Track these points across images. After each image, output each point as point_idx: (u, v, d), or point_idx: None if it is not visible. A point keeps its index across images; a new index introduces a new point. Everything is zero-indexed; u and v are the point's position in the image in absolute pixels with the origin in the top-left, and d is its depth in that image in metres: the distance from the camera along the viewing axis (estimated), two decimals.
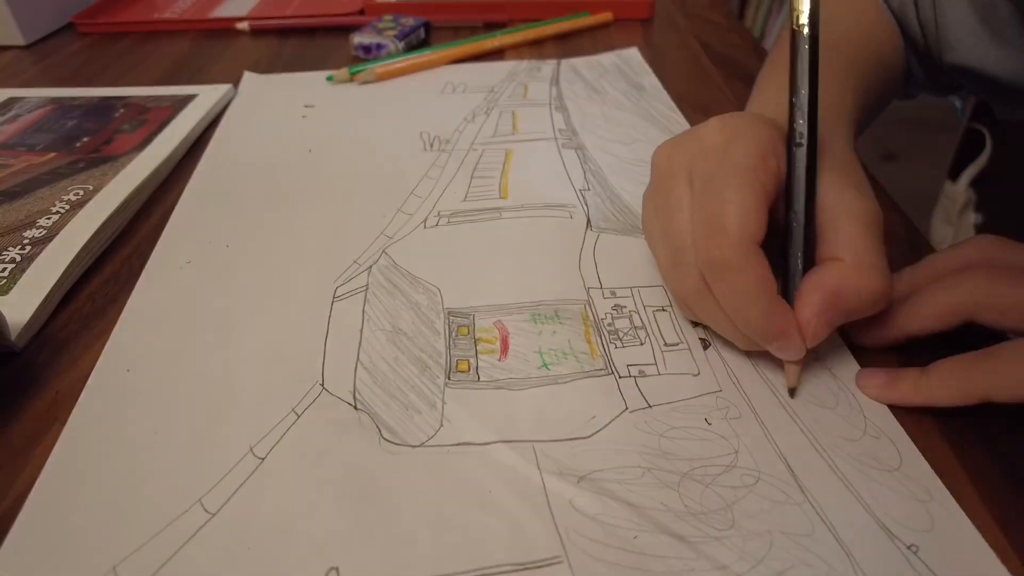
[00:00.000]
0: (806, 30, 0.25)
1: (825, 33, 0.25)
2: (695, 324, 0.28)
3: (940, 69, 0.40)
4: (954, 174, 1.21)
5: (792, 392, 0.25)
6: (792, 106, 0.25)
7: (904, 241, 0.33)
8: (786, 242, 0.25)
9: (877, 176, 0.37)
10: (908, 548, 0.21)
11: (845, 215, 0.24)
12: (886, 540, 0.21)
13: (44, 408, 0.26)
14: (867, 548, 0.21)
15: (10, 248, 0.33)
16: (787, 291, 0.25)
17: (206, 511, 0.22)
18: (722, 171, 0.24)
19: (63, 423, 0.25)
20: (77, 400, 0.26)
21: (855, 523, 0.21)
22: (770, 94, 0.33)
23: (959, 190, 1.20)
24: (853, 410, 0.25)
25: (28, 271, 0.31)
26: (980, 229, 1.14)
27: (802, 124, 0.25)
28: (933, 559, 0.20)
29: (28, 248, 0.33)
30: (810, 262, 0.25)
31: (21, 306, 0.29)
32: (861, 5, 0.38)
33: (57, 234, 0.34)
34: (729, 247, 0.23)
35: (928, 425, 0.24)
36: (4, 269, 0.31)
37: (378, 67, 0.51)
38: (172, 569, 0.20)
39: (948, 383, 0.24)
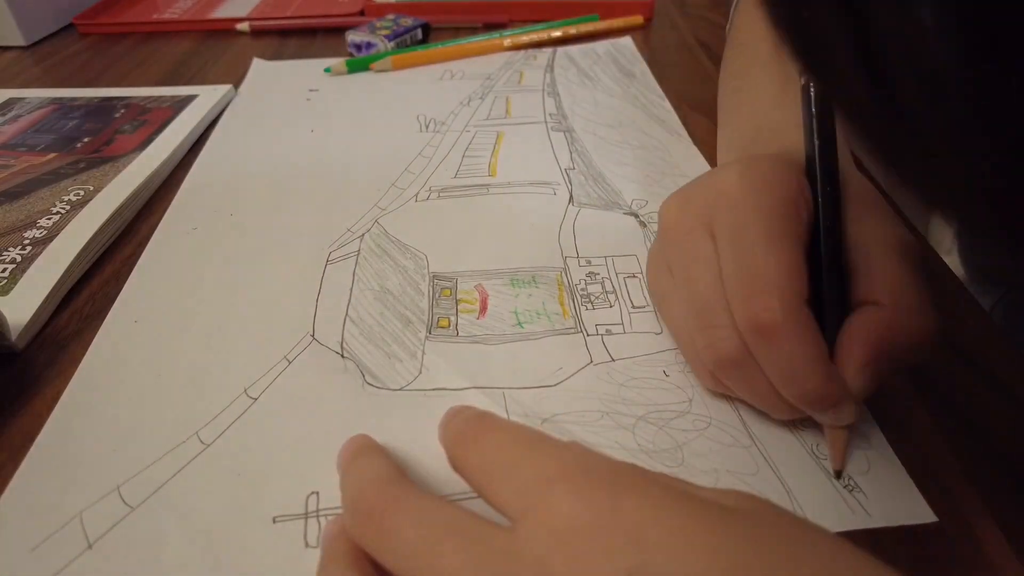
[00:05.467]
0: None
1: None
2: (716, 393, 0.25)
3: None
4: None
5: (839, 475, 0.22)
6: (815, 153, 0.24)
7: None
8: (818, 290, 0.22)
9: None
10: (844, 487, 0.22)
11: (877, 248, 0.22)
12: (824, 480, 0.23)
13: (44, 408, 0.26)
14: (806, 486, 0.22)
15: (11, 248, 0.33)
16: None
17: (202, 442, 0.24)
18: (754, 222, 0.22)
19: None
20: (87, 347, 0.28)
21: (798, 465, 0.23)
22: (756, 108, 0.31)
23: None
24: None
25: (29, 271, 0.31)
26: None
27: (826, 166, 0.24)
28: (865, 496, 0.22)
29: (29, 248, 0.33)
30: (844, 309, 0.22)
31: (22, 306, 0.29)
32: None
33: (58, 234, 0.34)
34: (779, 307, 0.21)
35: (927, 424, 0.25)
36: (5, 269, 0.31)
37: (393, 56, 0.53)
38: (169, 489, 0.23)
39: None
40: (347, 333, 0.28)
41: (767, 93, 0.31)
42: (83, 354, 0.28)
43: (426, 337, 0.28)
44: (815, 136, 0.24)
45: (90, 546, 0.21)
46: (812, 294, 0.22)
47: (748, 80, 0.34)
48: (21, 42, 0.61)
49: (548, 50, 0.56)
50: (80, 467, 0.23)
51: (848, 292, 0.22)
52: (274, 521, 0.22)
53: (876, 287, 0.22)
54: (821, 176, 0.23)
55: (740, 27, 0.39)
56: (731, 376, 0.23)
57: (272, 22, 0.64)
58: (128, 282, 0.32)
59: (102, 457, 0.24)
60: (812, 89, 0.24)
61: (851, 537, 0.21)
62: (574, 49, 0.56)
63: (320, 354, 0.27)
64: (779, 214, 0.22)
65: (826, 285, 0.22)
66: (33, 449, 0.24)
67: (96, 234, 0.34)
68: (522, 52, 0.56)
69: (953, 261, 1.15)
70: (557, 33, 0.58)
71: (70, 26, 0.65)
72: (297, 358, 0.27)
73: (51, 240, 0.33)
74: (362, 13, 0.65)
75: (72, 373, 0.27)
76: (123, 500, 0.22)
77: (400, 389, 0.26)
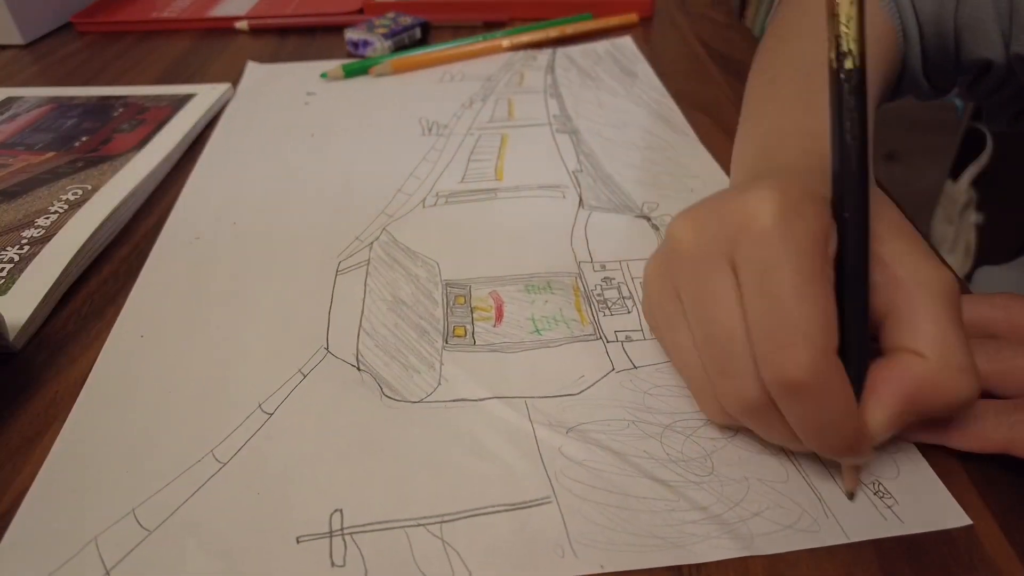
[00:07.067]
0: (854, 75, 0.19)
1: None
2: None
3: (954, 64, 0.37)
4: (955, 173, 1.22)
5: (851, 495, 0.22)
6: (839, 174, 0.20)
7: None
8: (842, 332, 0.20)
9: (878, 176, 0.36)
10: (875, 494, 0.22)
11: (921, 293, 0.20)
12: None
13: (43, 408, 0.26)
14: (837, 494, 0.22)
15: (8, 248, 0.32)
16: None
17: (218, 460, 0.23)
18: (785, 262, 0.19)
19: (62, 423, 0.25)
20: (90, 371, 0.27)
21: (828, 473, 0.23)
22: (775, 122, 0.30)
23: (960, 189, 1.21)
24: None
25: (26, 271, 0.31)
26: (981, 228, 1.15)
27: (852, 196, 0.20)
28: (896, 502, 0.22)
29: (26, 248, 0.32)
30: (870, 352, 0.21)
31: (19, 306, 0.29)
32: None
33: (55, 234, 0.33)
34: (809, 363, 0.19)
35: None
36: (2, 269, 0.31)
37: (393, 60, 0.53)
38: (186, 511, 0.22)
39: (969, 428, 0.22)
40: (362, 345, 0.28)
41: (802, 94, 0.29)
42: (81, 354, 0.28)
43: (443, 347, 0.28)
44: (844, 136, 0.20)
45: (107, 572, 0.20)
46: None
47: (783, 74, 0.32)
48: (19, 41, 0.61)
49: (548, 51, 0.55)
50: (92, 490, 0.23)
51: (867, 331, 0.21)
52: (298, 541, 0.21)
53: (920, 337, 0.20)
54: (850, 202, 0.20)
55: (785, 20, 0.37)
56: (749, 420, 0.22)
57: (271, 20, 0.63)
58: (131, 295, 0.31)
59: (114, 479, 0.23)
60: (845, 72, 0.20)
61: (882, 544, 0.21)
62: (574, 49, 0.55)
63: (335, 367, 0.27)
64: (810, 252, 0.20)
65: (853, 326, 0.20)
66: (42, 471, 0.23)
67: (94, 234, 0.34)
68: (521, 53, 0.55)
69: (955, 260, 1.16)
70: (554, 33, 0.57)
71: (68, 25, 0.65)
72: (312, 372, 0.27)
73: (49, 240, 0.33)
74: (361, 11, 0.65)
75: (70, 373, 0.27)
76: (139, 523, 0.21)
77: (420, 401, 0.25)
